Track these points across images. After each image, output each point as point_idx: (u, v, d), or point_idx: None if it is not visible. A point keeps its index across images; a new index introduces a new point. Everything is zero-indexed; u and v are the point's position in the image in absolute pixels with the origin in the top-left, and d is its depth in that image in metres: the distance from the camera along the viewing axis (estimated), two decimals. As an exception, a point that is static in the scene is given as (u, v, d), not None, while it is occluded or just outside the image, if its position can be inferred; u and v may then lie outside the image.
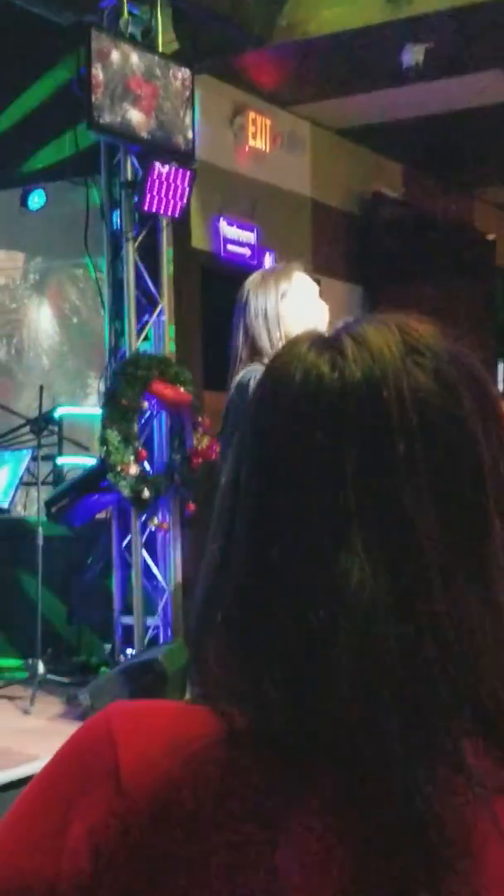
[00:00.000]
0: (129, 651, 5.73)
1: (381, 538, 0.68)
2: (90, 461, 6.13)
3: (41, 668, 5.37)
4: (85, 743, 0.74)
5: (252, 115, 6.73)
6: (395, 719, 0.66)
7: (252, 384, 2.88)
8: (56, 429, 6.66)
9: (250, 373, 2.92)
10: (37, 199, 7.49)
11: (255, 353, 2.98)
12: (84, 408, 7.98)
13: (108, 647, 5.84)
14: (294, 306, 2.97)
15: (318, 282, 3.46)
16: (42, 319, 9.30)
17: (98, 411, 6.91)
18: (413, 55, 5.96)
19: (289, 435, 0.72)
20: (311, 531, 0.69)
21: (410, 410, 0.70)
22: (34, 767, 4.33)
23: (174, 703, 0.76)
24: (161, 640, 5.75)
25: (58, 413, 6.77)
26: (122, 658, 5.67)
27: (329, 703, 0.67)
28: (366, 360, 0.72)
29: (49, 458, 6.53)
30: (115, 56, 5.52)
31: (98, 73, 5.44)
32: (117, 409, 5.44)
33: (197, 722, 0.71)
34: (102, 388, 8.30)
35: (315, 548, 0.69)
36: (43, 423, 6.11)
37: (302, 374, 0.72)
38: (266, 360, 2.96)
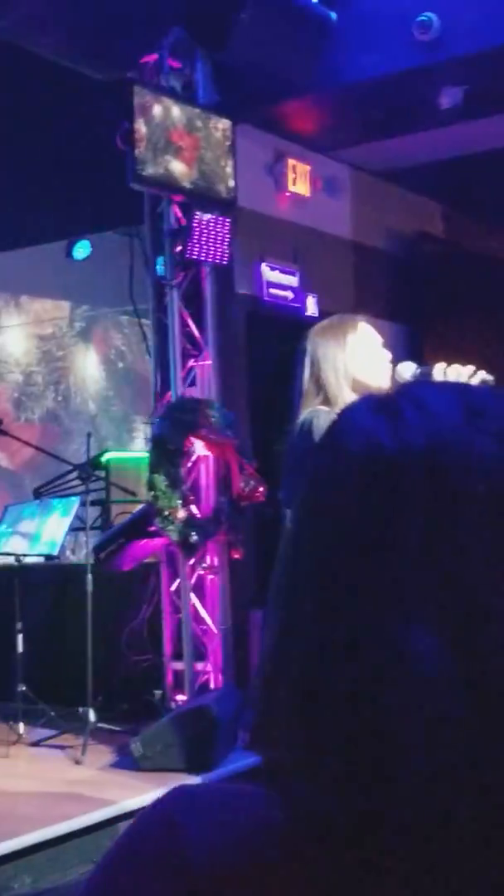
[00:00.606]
0: (179, 697, 5.71)
1: (449, 613, 0.66)
2: (138, 506, 6.16)
3: (92, 716, 5.36)
4: (146, 832, 0.71)
5: (291, 161, 6.81)
6: (471, 807, 0.63)
7: (314, 425, 2.91)
8: (103, 473, 6.71)
9: (311, 414, 2.98)
10: (81, 250, 7.63)
11: (320, 397, 3.04)
12: (131, 452, 8.04)
13: (158, 693, 5.83)
14: (359, 355, 3.05)
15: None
16: (88, 366, 9.41)
17: (145, 455, 6.97)
18: (451, 97, 6.00)
19: (349, 507, 0.69)
20: (375, 607, 0.67)
21: (475, 478, 0.67)
22: (82, 822, 4.33)
23: (236, 788, 0.74)
24: (212, 684, 5.74)
25: (105, 458, 6.82)
26: (172, 704, 5.66)
27: (400, 789, 0.64)
28: (427, 425, 0.70)
29: (97, 502, 6.57)
30: (156, 110, 5.62)
31: (140, 126, 5.54)
32: (164, 453, 5.48)
33: (263, 808, 0.69)
34: (149, 432, 8.39)
35: (380, 624, 0.66)
36: (90, 468, 6.17)
37: (361, 442, 0.70)
38: (330, 407, 2.99)
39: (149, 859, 0.69)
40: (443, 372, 3.00)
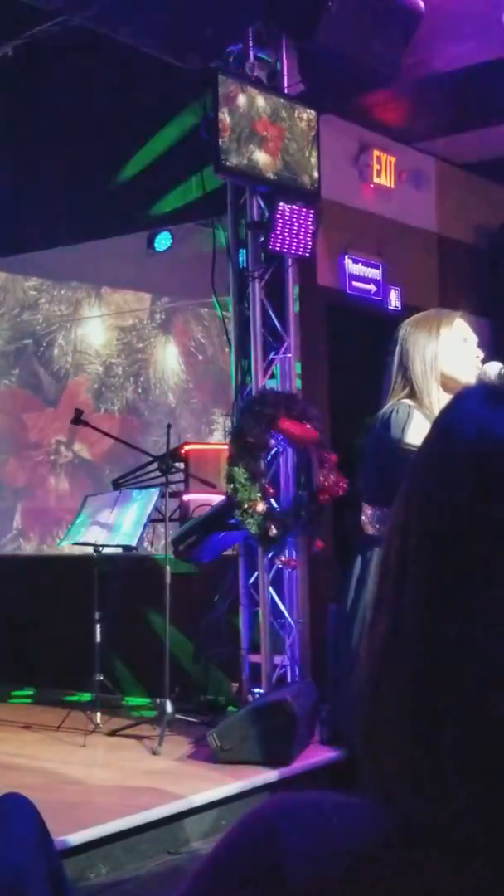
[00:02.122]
0: (256, 690, 5.70)
1: None
2: (216, 498, 6.15)
3: (169, 707, 5.37)
4: (244, 845, 0.69)
5: (376, 152, 6.73)
6: None
7: (393, 418, 2.87)
8: (182, 465, 6.71)
9: (392, 406, 2.95)
10: (163, 241, 7.63)
11: (406, 390, 2.99)
12: (210, 444, 8.05)
13: (235, 685, 5.82)
14: (450, 350, 2.99)
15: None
16: (168, 358, 9.44)
17: (224, 447, 6.96)
18: (541, 86, 5.87)
19: (462, 498, 0.66)
20: (491, 606, 0.64)
21: None
22: (158, 812, 4.34)
23: (338, 797, 0.70)
24: (289, 678, 5.71)
25: (184, 450, 6.82)
26: (249, 697, 5.64)
27: None
28: None
29: (175, 494, 6.58)
30: (241, 100, 5.59)
31: (225, 116, 5.52)
32: (244, 446, 5.46)
33: (366, 818, 0.67)
34: (228, 424, 8.39)
35: (497, 623, 0.64)
36: (169, 460, 6.18)
37: (475, 431, 0.68)
38: (414, 400, 2.94)
39: (247, 868, 0.67)
40: None
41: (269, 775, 4.83)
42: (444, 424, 0.71)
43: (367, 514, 3.01)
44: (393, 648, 0.67)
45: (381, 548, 2.58)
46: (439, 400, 2.93)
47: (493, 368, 2.98)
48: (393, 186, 6.89)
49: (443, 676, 0.64)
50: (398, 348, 3.01)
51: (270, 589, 5.70)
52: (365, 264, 6.73)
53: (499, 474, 0.66)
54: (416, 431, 2.86)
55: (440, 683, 0.64)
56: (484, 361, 3.04)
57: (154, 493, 5.92)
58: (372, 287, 6.77)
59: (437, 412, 3.08)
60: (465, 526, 0.66)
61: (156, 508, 5.96)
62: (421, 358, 2.96)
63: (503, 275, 7.65)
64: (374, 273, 6.78)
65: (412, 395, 2.97)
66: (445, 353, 2.97)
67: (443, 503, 0.68)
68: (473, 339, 3.06)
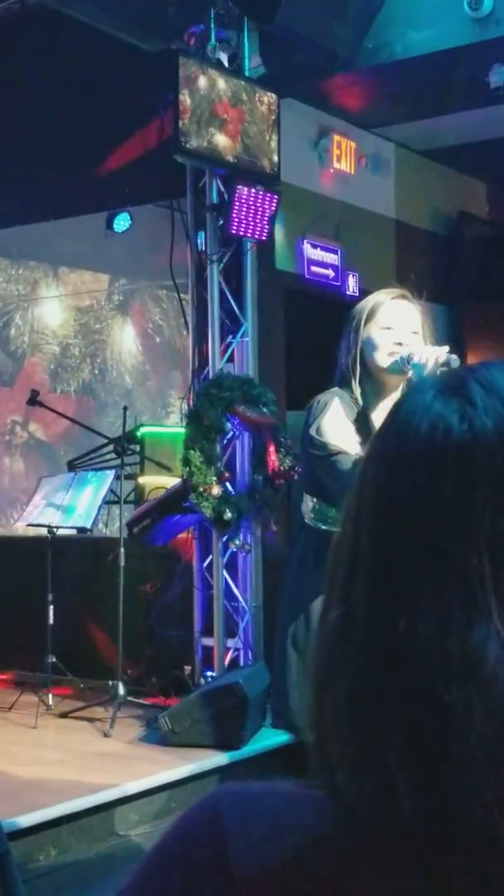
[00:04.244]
0: (208, 673, 5.71)
1: None
2: (172, 480, 6.14)
3: (121, 689, 5.37)
4: (191, 833, 0.69)
5: (337, 137, 6.73)
6: None
7: (313, 409, 2.87)
8: (138, 448, 6.69)
9: (318, 396, 2.94)
10: (122, 222, 7.58)
11: (341, 374, 2.96)
12: (166, 427, 8.03)
13: (187, 668, 5.83)
14: (374, 343, 2.93)
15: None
16: (125, 339, 9.40)
17: (180, 430, 6.94)
18: (501, 75, 5.89)
19: (414, 493, 0.66)
20: (440, 599, 0.64)
21: None
22: (109, 795, 4.34)
23: (286, 787, 0.71)
24: (241, 661, 5.73)
25: (140, 432, 6.80)
26: (202, 680, 5.66)
27: (464, 790, 0.62)
28: (496, 408, 0.67)
29: (130, 476, 6.56)
30: (202, 82, 5.56)
31: (185, 98, 5.48)
32: (200, 429, 5.45)
33: (313, 808, 0.67)
34: (185, 407, 8.37)
35: (445, 617, 0.64)
36: (126, 442, 6.16)
37: (428, 425, 0.67)
38: (345, 389, 2.92)
39: (193, 856, 0.68)
40: (420, 351, 2.86)
41: (220, 758, 4.85)
42: (397, 418, 0.71)
43: (305, 503, 3.01)
44: (342, 638, 0.67)
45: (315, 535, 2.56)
46: (365, 390, 2.91)
47: (406, 352, 2.93)
48: (352, 172, 6.89)
49: (389, 668, 0.65)
50: (342, 334, 3.00)
51: (224, 572, 5.71)
52: (323, 249, 6.73)
53: (450, 468, 0.66)
54: (327, 423, 2.84)
55: (386, 674, 0.65)
56: (448, 347, 2.99)
57: (109, 476, 5.90)
58: (330, 272, 6.78)
59: (362, 403, 3.04)
60: (415, 520, 0.66)
61: (111, 490, 5.94)
62: (346, 350, 2.95)
63: (460, 261, 7.69)
64: (333, 258, 6.79)
65: (344, 383, 2.94)
66: (368, 345, 2.92)
67: (394, 497, 0.67)
68: (403, 323, 2.95)
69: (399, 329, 2.93)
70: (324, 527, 2.92)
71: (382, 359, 2.92)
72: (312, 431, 2.84)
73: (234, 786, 0.72)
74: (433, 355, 2.83)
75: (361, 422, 2.88)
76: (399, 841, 0.64)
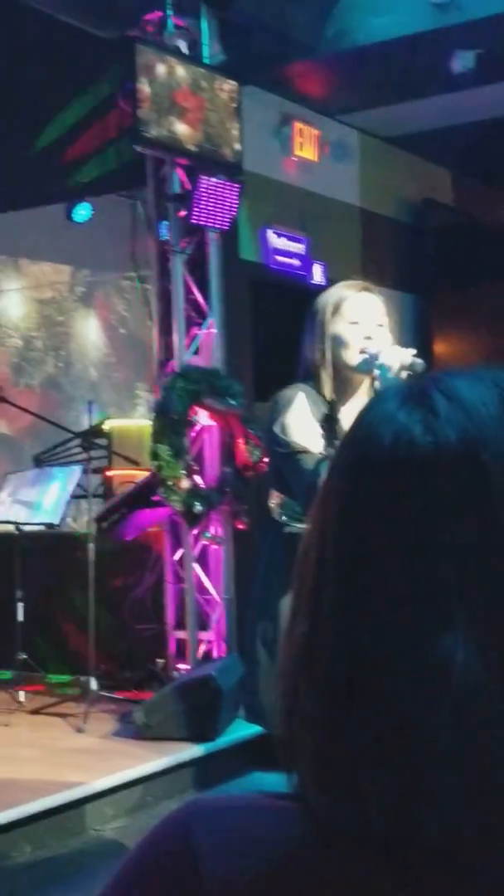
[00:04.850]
0: (181, 666, 5.69)
1: (486, 615, 0.63)
2: (140, 474, 6.11)
3: (94, 684, 5.33)
4: (161, 848, 0.69)
5: (299, 125, 6.70)
6: None
7: (278, 403, 2.86)
8: (105, 441, 6.65)
9: (283, 391, 2.91)
10: (82, 212, 7.52)
11: (306, 369, 2.92)
12: (133, 420, 7.99)
13: (160, 662, 5.81)
14: (340, 338, 2.88)
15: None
16: (89, 332, 9.32)
17: (147, 423, 6.91)
18: (463, 61, 5.89)
19: (379, 505, 0.66)
20: (406, 610, 0.64)
21: None
22: (84, 790, 4.31)
23: (256, 799, 0.71)
24: (214, 654, 5.72)
25: (106, 425, 6.76)
26: (175, 673, 5.64)
27: (434, 800, 0.62)
28: (460, 419, 0.66)
29: (98, 470, 6.52)
30: (160, 69, 5.51)
31: (144, 86, 5.43)
32: (168, 423, 5.42)
33: (283, 820, 0.67)
34: (151, 399, 8.33)
35: (412, 628, 0.63)
36: (92, 436, 6.11)
37: (392, 436, 0.67)
38: (310, 383, 2.89)
39: (163, 871, 0.68)
40: (386, 352, 2.82)
41: (194, 751, 4.84)
42: (361, 428, 0.70)
43: (273, 499, 2.99)
44: (309, 653, 0.67)
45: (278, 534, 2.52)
46: (332, 385, 2.87)
47: (375, 350, 2.90)
48: (316, 159, 6.86)
49: (356, 681, 0.64)
50: (306, 326, 2.94)
51: (196, 565, 5.69)
52: (288, 238, 6.70)
53: (414, 480, 0.66)
54: (290, 420, 2.81)
55: (354, 688, 0.64)
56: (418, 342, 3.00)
57: (76, 471, 5.86)
58: (295, 261, 6.75)
59: (328, 398, 3.02)
60: (380, 532, 0.66)
61: (78, 485, 5.90)
62: (311, 345, 2.90)
63: (425, 250, 7.69)
64: (298, 247, 6.76)
65: (309, 377, 2.90)
66: (336, 342, 2.87)
67: (359, 509, 0.67)
68: (368, 317, 2.91)
69: (365, 323, 2.89)
70: (289, 521, 2.90)
71: (352, 356, 2.88)
72: (276, 429, 2.82)
73: (204, 799, 0.72)
74: (398, 358, 2.80)
75: (327, 418, 2.86)
76: (370, 855, 0.64)
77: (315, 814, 0.65)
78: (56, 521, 5.70)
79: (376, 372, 2.83)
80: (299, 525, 2.88)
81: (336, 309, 2.88)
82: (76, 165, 6.46)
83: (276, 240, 6.63)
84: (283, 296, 6.67)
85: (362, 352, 2.87)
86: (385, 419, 0.68)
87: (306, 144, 6.77)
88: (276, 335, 6.71)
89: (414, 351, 2.84)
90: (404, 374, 2.81)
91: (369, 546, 0.66)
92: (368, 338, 2.88)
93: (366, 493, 0.67)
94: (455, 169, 8.06)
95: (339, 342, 2.87)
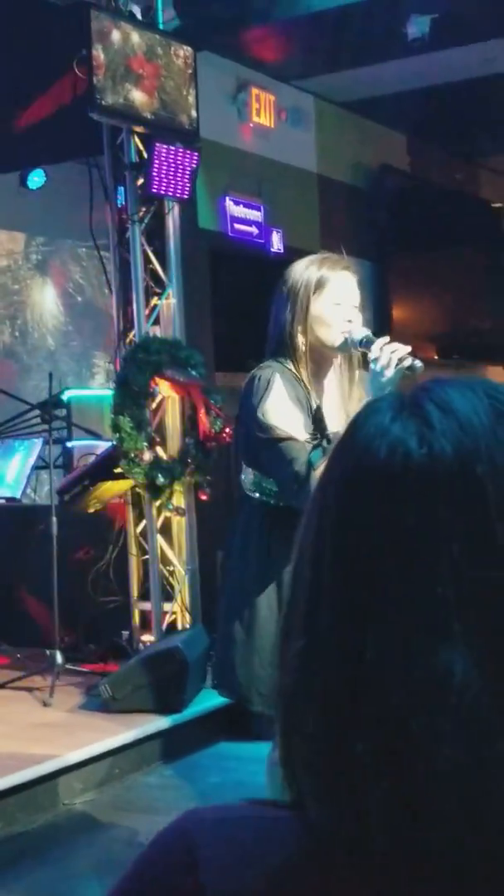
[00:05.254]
0: (146, 637, 5.71)
1: (484, 628, 0.63)
2: (100, 444, 6.09)
3: (59, 658, 5.33)
4: (162, 860, 0.69)
5: (255, 91, 6.63)
6: None
7: (254, 385, 2.81)
8: (63, 412, 6.59)
9: (258, 371, 2.86)
10: (36, 179, 7.41)
11: (281, 341, 2.88)
12: (91, 389, 7.93)
13: (124, 634, 5.82)
14: (326, 299, 2.85)
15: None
16: (46, 300, 9.21)
17: (106, 392, 6.86)
18: (419, 26, 5.85)
19: (376, 519, 0.66)
20: (405, 625, 0.64)
21: None
22: (52, 765, 4.32)
23: (255, 811, 0.71)
24: (179, 625, 5.73)
25: (66, 396, 6.70)
26: (139, 646, 5.65)
27: (434, 814, 0.63)
28: (455, 431, 0.66)
29: (58, 441, 6.47)
30: (115, 36, 5.42)
31: (99, 53, 5.35)
32: (129, 395, 5.39)
33: (284, 833, 0.67)
34: (109, 367, 8.26)
35: (411, 644, 0.64)
36: (52, 408, 6.06)
37: (387, 449, 0.67)
38: (283, 361, 2.87)
39: (167, 885, 0.68)
40: (380, 348, 2.78)
41: (161, 723, 4.86)
42: (355, 440, 0.70)
43: (245, 475, 2.97)
44: (307, 669, 0.67)
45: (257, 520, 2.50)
46: (308, 365, 2.85)
47: (358, 333, 2.88)
48: (272, 126, 6.81)
49: (356, 697, 0.65)
50: (275, 303, 2.89)
51: (159, 537, 5.69)
52: (246, 206, 6.66)
53: (410, 494, 0.66)
54: (272, 404, 2.78)
55: (353, 703, 0.65)
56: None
57: (37, 443, 5.82)
58: (254, 229, 6.71)
59: (305, 378, 3.00)
60: (377, 547, 0.66)
61: (39, 457, 5.86)
62: (290, 321, 2.84)
63: (381, 216, 7.67)
64: (256, 215, 6.72)
65: (284, 354, 2.87)
66: (316, 321, 2.85)
67: (355, 524, 0.67)
68: (349, 298, 2.89)
69: (346, 305, 2.88)
70: (261, 497, 2.90)
71: (333, 337, 2.86)
72: (259, 414, 2.77)
73: (204, 811, 0.72)
74: (395, 356, 2.77)
75: (304, 401, 2.85)
76: (371, 869, 0.64)
77: (315, 827, 0.66)
78: (17, 495, 5.67)
79: (370, 356, 2.78)
80: (272, 501, 2.88)
81: (319, 288, 2.84)
82: (30, 132, 6.34)
83: (234, 207, 6.58)
84: (241, 265, 6.64)
85: (343, 332, 2.85)
86: (379, 432, 0.68)
87: (263, 111, 6.72)
88: (235, 304, 6.69)
89: (409, 348, 2.81)
90: (394, 371, 2.77)
91: (366, 560, 0.66)
92: (349, 321, 2.87)
93: (361, 507, 0.67)
94: (411, 134, 8.04)
95: (319, 321, 2.85)
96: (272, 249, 6.77)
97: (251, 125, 6.66)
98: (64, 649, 5.45)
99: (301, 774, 0.68)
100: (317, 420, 2.83)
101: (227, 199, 6.53)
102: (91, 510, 5.68)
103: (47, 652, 5.45)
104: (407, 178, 7.93)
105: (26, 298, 9.19)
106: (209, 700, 5.12)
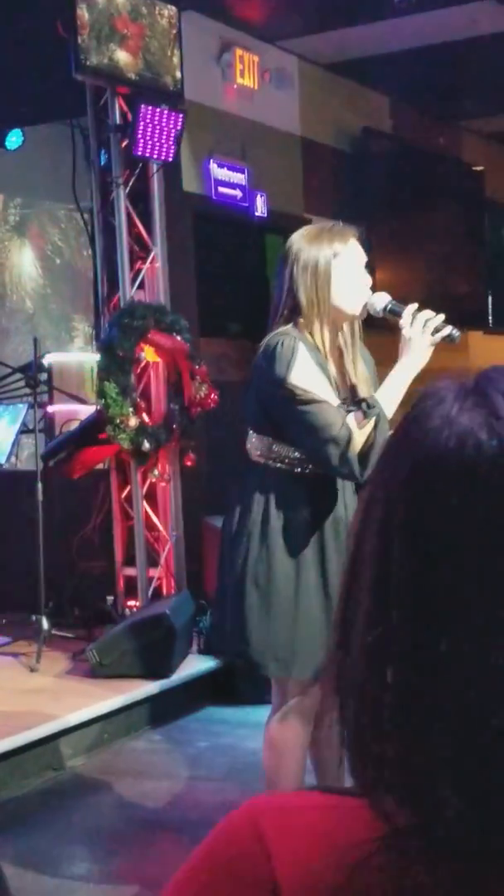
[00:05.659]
0: (131, 603, 5.72)
1: None
2: (82, 409, 6.05)
3: (45, 623, 5.34)
4: (232, 849, 0.69)
5: (239, 51, 6.54)
6: None
7: (278, 352, 2.78)
8: (45, 376, 6.54)
9: (277, 338, 2.80)
10: (14, 139, 7.29)
11: (295, 310, 2.84)
12: (72, 353, 7.87)
13: (109, 599, 5.83)
14: (345, 270, 2.82)
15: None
16: (24, 262, 9.11)
17: (87, 356, 6.81)
18: (405, -13, 5.79)
19: (449, 513, 0.66)
20: (482, 618, 0.64)
21: None
22: (41, 731, 4.33)
23: (322, 799, 0.71)
24: (164, 591, 5.75)
25: (47, 360, 6.65)
26: (125, 611, 5.66)
27: None
28: None
29: (39, 405, 6.42)
30: (100, -6, 5.32)
31: (83, 13, 5.26)
32: (114, 360, 5.36)
33: (354, 822, 0.67)
34: (88, 331, 8.21)
35: (488, 636, 0.64)
36: (36, 373, 6.01)
37: (456, 442, 0.67)
38: (298, 329, 2.83)
39: (238, 875, 0.67)
40: (411, 314, 2.81)
41: (149, 688, 4.89)
42: (421, 431, 0.69)
43: (253, 442, 2.95)
44: (381, 662, 0.67)
45: (275, 484, 2.49)
46: (325, 333, 2.83)
47: (380, 301, 2.89)
48: (256, 87, 6.72)
49: (433, 690, 0.65)
50: (288, 268, 2.82)
51: (144, 503, 5.68)
52: (230, 168, 6.59)
53: (483, 485, 0.66)
54: (300, 370, 2.76)
55: (431, 697, 0.65)
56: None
57: (22, 409, 5.77)
58: (238, 193, 6.64)
59: (322, 346, 2.99)
60: (453, 542, 0.65)
61: (23, 423, 5.83)
62: (312, 285, 2.80)
63: (364, 178, 7.61)
64: (240, 178, 6.65)
65: (298, 323, 2.83)
66: (338, 280, 2.82)
67: (427, 517, 0.67)
68: (363, 265, 2.89)
69: (362, 272, 2.88)
70: (274, 464, 2.87)
71: (355, 306, 2.85)
72: (290, 380, 2.73)
73: (269, 799, 0.72)
74: (431, 325, 2.77)
75: (323, 368, 2.83)
76: (449, 860, 0.64)
77: (388, 817, 0.66)
78: (2, 461, 5.64)
79: (400, 322, 2.80)
80: (283, 467, 2.87)
81: (337, 257, 2.81)
82: (12, 92, 6.24)
83: (218, 170, 6.51)
84: (225, 228, 6.59)
85: (364, 299, 2.85)
86: (446, 423, 0.68)
87: (246, 72, 6.63)
88: (219, 269, 6.65)
89: (443, 316, 2.81)
90: (433, 341, 2.79)
91: (439, 555, 0.66)
92: (370, 287, 2.87)
93: (433, 500, 0.67)
94: (394, 97, 7.97)
95: (343, 291, 2.82)
96: (256, 213, 6.71)
97: (235, 86, 6.58)
98: (48, 614, 5.45)
99: (374, 765, 0.68)
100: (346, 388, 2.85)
101: (212, 161, 6.45)
102: (76, 476, 5.65)
103: (33, 617, 5.45)
104: (390, 141, 7.87)
105: (4, 261, 9.10)
106: (196, 666, 5.16)
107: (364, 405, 2.78)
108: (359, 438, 2.73)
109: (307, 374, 2.77)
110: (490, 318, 8.98)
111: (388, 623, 0.67)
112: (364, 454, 2.73)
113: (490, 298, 9.05)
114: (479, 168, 8.74)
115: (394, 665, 0.67)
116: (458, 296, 8.52)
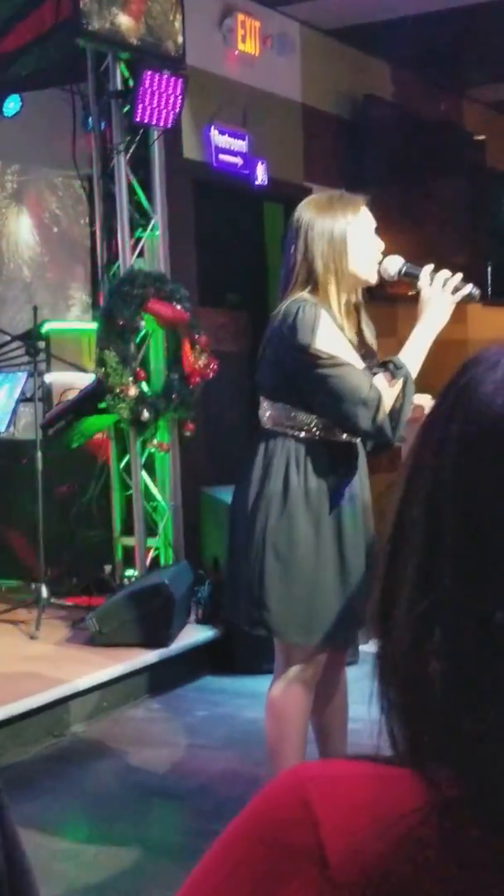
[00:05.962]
0: (129, 572, 5.73)
1: None
2: (80, 377, 6.03)
3: (44, 591, 5.34)
4: (277, 817, 0.67)
5: (241, 17, 6.47)
6: None
7: (299, 318, 2.77)
8: (42, 345, 6.51)
9: (296, 304, 2.80)
10: (11, 105, 7.21)
11: (310, 278, 2.84)
12: (69, 321, 7.83)
13: (107, 568, 5.84)
14: (360, 237, 2.84)
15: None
16: (22, 230, 9.04)
17: (85, 325, 6.78)
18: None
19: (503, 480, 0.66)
20: None
21: None
22: (41, 699, 4.35)
23: (369, 767, 0.70)
24: (162, 561, 5.75)
25: (45, 328, 6.62)
26: (123, 580, 5.67)
27: None
28: None
29: (37, 374, 6.39)
30: (101, -43, 5.25)
31: (85, -24, 5.18)
32: (114, 329, 5.33)
33: (402, 790, 0.66)
34: (86, 300, 8.16)
35: None
36: (36, 341, 5.98)
37: None
38: (315, 296, 2.82)
39: (283, 843, 0.66)
40: (429, 275, 2.85)
41: (148, 656, 4.90)
42: (471, 398, 0.69)
43: (265, 408, 2.95)
44: (430, 628, 0.67)
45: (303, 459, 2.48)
46: (342, 299, 2.83)
47: (393, 265, 2.89)
48: (257, 53, 6.66)
49: (486, 658, 0.64)
50: (301, 237, 2.82)
51: (143, 472, 5.67)
52: (231, 135, 6.53)
53: None
54: (325, 335, 2.76)
55: (484, 667, 0.64)
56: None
57: (21, 377, 5.75)
58: (238, 160, 6.59)
59: (339, 311, 2.99)
60: None
61: (22, 392, 5.80)
62: (329, 252, 2.80)
63: (365, 146, 7.55)
64: (241, 145, 6.59)
65: (314, 290, 2.82)
66: (354, 247, 2.82)
67: (483, 485, 0.66)
68: (374, 226, 2.90)
69: (374, 239, 2.89)
70: (292, 432, 2.88)
71: (370, 272, 2.86)
72: (316, 345, 2.73)
73: (316, 767, 0.71)
74: (450, 285, 2.79)
75: (343, 333, 2.85)
76: (495, 830, 0.63)
77: (437, 786, 0.65)
78: (2, 429, 5.62)
79: (419, 288, 2.82)
80: (301, 435, 2.87)
81: (352, 221, 2.83)
82: (11, 58, 6.17)
83: (219, 137, 6.45)
84: (226, 196, 6.54)
85: (378, 264, 2.86)
86: (499, 389, 0.68)
87: (248, 37, 6.56)
88: (219, 237, 6.61)
89: (461, 275, 2.83)
90: (454, 300, 2.81)
91: (494, 522, 0.65)
92: (382, 252, 2.89)
93: (488, 467, 0.66)
94: (395, 63, 7.90)
95: (357, 253, 2.83)
96: (256, 182, 6.65)
97: (236, 52, 6.51)
98: (49, 582, 5.46)
99: (423, 734, 0.67)
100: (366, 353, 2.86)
101: (213, 128, 6.40)
102: (74, 445, 5.65)
103: (32, 585, 5.46)
104: (392, 109, 7.81)
105: (2, 228, 9.01)
106: (194, 635, 5.18)
107: (391, 366, 2.78)
108: (387, 400, 2.74)
109: (332, 339, 2.78)
110: (489, 289, 8.95)
111: (439, 594, 0.67)
112: (394, 415, 2.74)
113: (490, 269, 9.01)
114: (481, 137, 8.67)
115: (446, 632, 0.66)
116: (458, 266, 8.47)
